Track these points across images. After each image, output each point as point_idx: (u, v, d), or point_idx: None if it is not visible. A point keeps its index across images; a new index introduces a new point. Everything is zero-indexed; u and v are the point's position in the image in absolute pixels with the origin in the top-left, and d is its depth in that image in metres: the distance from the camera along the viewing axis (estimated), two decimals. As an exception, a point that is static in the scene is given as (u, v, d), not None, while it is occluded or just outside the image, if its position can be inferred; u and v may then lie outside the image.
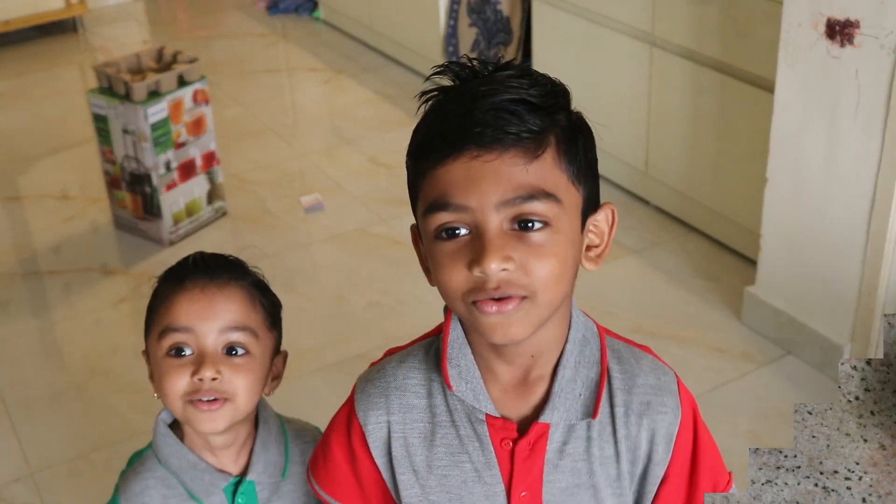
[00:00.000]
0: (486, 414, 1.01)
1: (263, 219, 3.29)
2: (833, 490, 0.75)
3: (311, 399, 2.36)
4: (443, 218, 0.91)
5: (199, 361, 1.10)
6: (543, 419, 1.00)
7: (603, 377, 1.01)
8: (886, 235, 2.18)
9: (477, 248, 0.89)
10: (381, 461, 1.06)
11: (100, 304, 2.86)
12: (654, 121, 2.96)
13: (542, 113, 0.91)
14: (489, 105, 0.89)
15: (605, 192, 1.02)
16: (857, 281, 2.28)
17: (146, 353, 1.17)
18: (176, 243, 3.12)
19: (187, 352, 1.11)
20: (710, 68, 2.74)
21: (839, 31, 2.12)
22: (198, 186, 3.16)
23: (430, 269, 0.96)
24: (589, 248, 0.98)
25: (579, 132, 0.95)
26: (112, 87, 2.99)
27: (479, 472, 1.02)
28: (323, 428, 1.29)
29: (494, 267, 0.88)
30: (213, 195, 3.23)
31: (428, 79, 1.00)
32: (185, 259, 1.18)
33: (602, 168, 1.03)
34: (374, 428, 1.05)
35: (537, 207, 0.89)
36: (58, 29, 5.04)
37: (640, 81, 2.94)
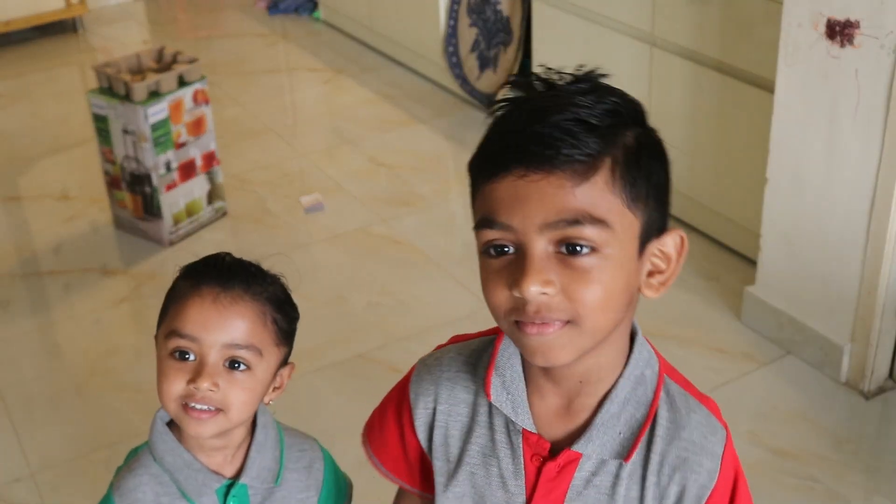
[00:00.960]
0: (523, 428, 1.00)
1: (263, 219, 3.29)
2: None
3: (312, 399, 2.36)
4: (489, 235, 0.89)
5: (199, 370, 1.09)
6: (576, 448, 0.98)
7: (647, 421, 0.97)
8: (886, 235, 2.18)
9: (518, 270, 0.87)
10: (423, 443, 1.09)
11: (100, 305, 2.86)
12: (653, 121, 2.95)
13: (600, 134, 0.87)
14: (546, 123, 0.86)
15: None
16: (857, 281, 2.28)
17: (156, 338, 1.17)
18: (176, 244, 3.12)
19: (190, 357, 1.10)
20: (710, 68, 2.74)
21: (839, 31, 2.12)
22: (198, 187, 3.16)
23: (481, 283, 0.94)
24: (652, 273, 0.94)
25: (645, 154, 0.91)
26: (112, 87, 2.99)
27: (504, 479, 1.02)
28: (319, 429, 1.30)
29: (533, 290, 0.86)
30: (213, 195, 3.23)
31: (508, 85, 0.97)
32: (209, 259, 1.17)
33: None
34: (422, 413, 1.08)
35: (584, 232, 0.86)
36: (58, 29, 5.04)
37: (639, 81, 2.94)
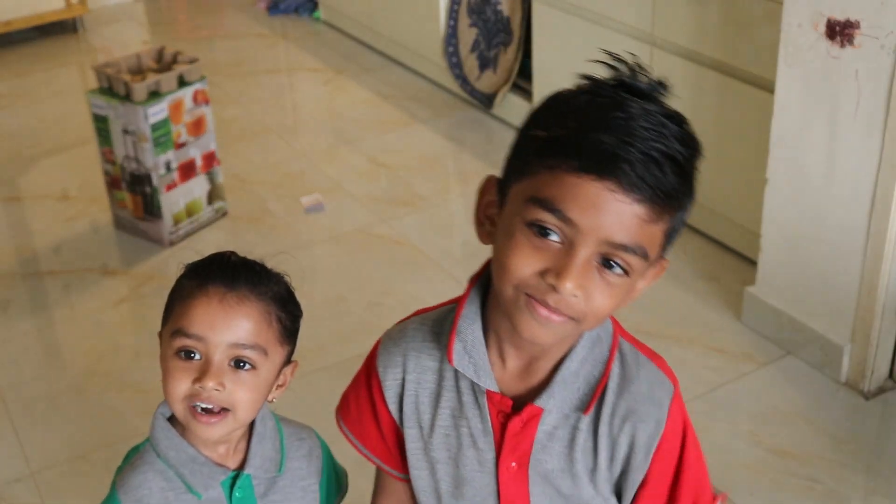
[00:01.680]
0: (487, 388, 1.05)
1: (263, 219, 3.29)
2: None
3: (311, 399, 2.35)
4: (547, 218, 0.92)
5: (205, 370, 1.10)
6: (538, 403, 1.04)
7: (604, 377, 1.03)
8: (886, 235, 2.19)
9: (562, 264, 0.91)
10: (395, 415, 1.14)
11: (100, 305, 2.86)
12: (654, 121, 2.96)
13: (682, 177, 0.92)
14: (644, 147, 0.89)
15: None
16: (857, 281, 2.28)
17: (161, 335, 1.18)
18: (176, 244, 3.12)
19: (196, 356, 1.11)
20: (710, 68, 2.74)
21: (839, 31, 2.12)
22: (198, 187, 3.17)
23: (500, 240, 0.97)
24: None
25: (692, 200, 0.97)
26: (112, 87, 2.99)
27: (474, 438, 1.08)
28: (320, 430, 1.31)
29: (569, 289, 0.91)
30: (213, 195, 3.23)
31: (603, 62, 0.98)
32: (215, 258, 1.17)
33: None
34: (392, 384, 1.12)
35: (631, 259, 0.92)
36: (58, 29, 5.05)
37: (640, 81, 2.93)
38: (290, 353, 1.20)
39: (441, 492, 1.13)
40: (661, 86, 0.96)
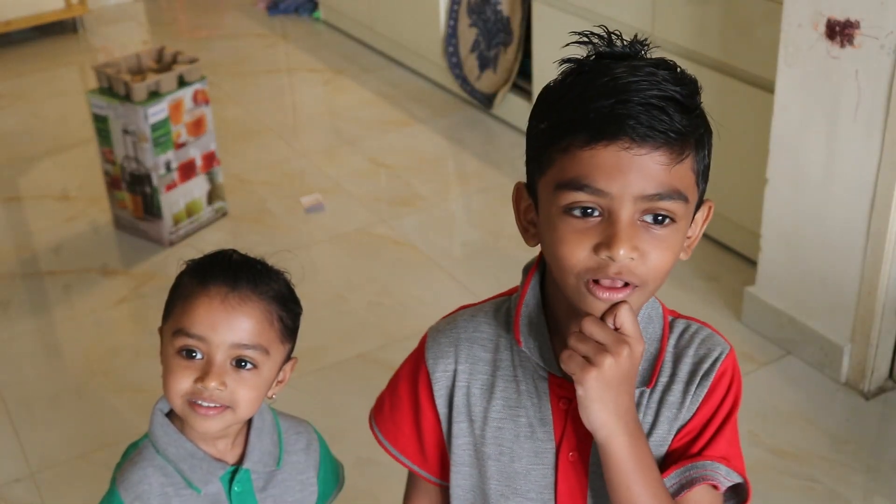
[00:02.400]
0: (549, 372, 1.04)
1: (263, 219, 3.29)
2: None
3: (312, 399, 2.36)
4: (579, 197, 0.93)
5: (207, 369, 1.10)
6: None
7: (662, 353, 1.05)
8: (886, 236, 2.19)
9: (609, 234, 0.92)
10: (442, 410, 1.11)
11: (100, 305, 2.86)
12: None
13: (688, 114, 0.93)
14: (641, 98, 0.91)
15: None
16: (857, 281, 2.28)
17: (161, 330, 1.18)
18: (176, 244, 3.12)
19: (197, 355, 1.11)
20: (710, 68, 2.74)
21: (839, 31, 2.12)
22: (198, 187, 3.17)
23: (546, 237, 0.98)
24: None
25: (709, 134, 0.98)
26: (112, 87, 2.99)
27: (532, 428, 1.06)
28: (319, 427, 1.31)
29: (623, 254, 0.92)
30: (213, 195, 3.23)
31: (569, 45, 1.01)
32: (216, 256, 1.17)
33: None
34: (441, 376, 1.10)
35: (671, 206, 0.93)
36: (58, 29, 5.05)
37: (640, 81, 2.93)
38: (291, 350, 1.20)
39: (489, 492, 1.10)
40: (639, 43, 0.98)
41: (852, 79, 2.13)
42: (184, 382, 1.11)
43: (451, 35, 3.96)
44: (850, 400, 2.35)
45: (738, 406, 1.08)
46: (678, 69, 0.96)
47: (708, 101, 0.97)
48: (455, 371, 1.09)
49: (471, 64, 3.91)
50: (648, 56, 0.98)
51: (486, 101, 3.84)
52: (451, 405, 1.10)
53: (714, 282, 2.77)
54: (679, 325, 1.10)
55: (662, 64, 0.95)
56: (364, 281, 2.92)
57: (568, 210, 0.94)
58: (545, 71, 3.42)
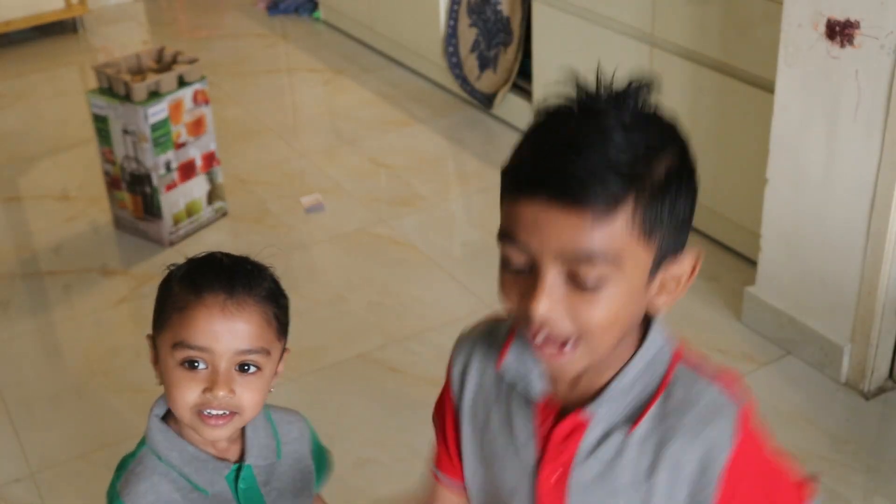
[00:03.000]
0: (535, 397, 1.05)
1: (263, 219, 3.29)
2: None
3: (312, 399, 2.36)
4: (508, 249, 0.93)
5: (213, 379, 1.10)
6: (588, 409, 1.00)
7: (656, 396, 1.00)
8: (886, 235, 2.18)
9: (529, 288, 0.91)
10: (455, 401, 1.14)
11: (100, 305, 2.86)
12: (654, 121, 2.96)
13: (628, 177, 0.87)
14: (579, 159, 0.87)
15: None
16: (857, 281, 2.28)
17: (151, 338, 1.17)
18: (176, 244, 3.12)
19: (201, 365, 1.11)
20: (710, 68, 2.74)
21: (839, 31, 2.12)
22: (198, 187, 3.17)
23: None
24: (660, 292, 0.97)
25: (673, 187, 0.92)
26: (112, 87, 2.99)
27: (517, 447, 1.06)
28: (317, 427, 1.32)
29: (541, 311, 0.90)
30: (213, 195, 3.23)
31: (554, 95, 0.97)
32: (205, 261, 1.17)
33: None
34: (456, 372, 1.13)
35: (593, 271, 0.89)
36: (58, 29, 5.05)
37: (640, 81, 2.93)
38: (285, 343, 1.21)
39: (501, 492, 1.11)
40: (629, 96, 0.92)
41: (852, 79, 2.13)
42: (191, 394, 1.11)
43: (451, 35, 3.96)
44: (850, 400, 2.35)
45: (770, 458, 1.04)
46: (644, 126, 0.91)
47: (708, 101, 0.96)
48: (465, 370, 1.12)
49: (471, 64, 3.91)
50: (641, 105, 0.92)
51: (486, 101, 3.84)
52: (461, 399, 1.12)
53: (714, 282, 2.77)
54: (683, 377, 1.02)
55: (634, 118, 0.90)
56: (364, 281, 2.92)
57: (504, 262, 0.93)
58: (545, 71, 3.42)
